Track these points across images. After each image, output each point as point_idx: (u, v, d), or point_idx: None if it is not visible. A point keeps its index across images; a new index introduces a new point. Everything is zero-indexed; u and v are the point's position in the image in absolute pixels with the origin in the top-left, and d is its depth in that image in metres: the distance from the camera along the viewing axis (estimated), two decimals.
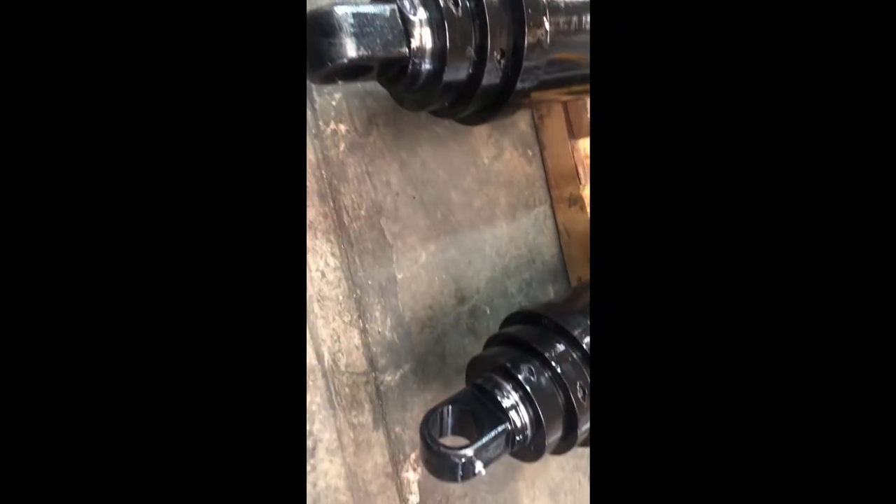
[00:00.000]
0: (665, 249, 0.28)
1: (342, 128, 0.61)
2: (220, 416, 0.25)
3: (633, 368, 0.29)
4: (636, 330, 0.29)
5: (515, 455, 0.55)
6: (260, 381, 0.26)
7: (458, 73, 0.50)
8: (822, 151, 0.26)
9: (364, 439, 0.62)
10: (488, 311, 0.74)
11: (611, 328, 0.29)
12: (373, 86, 0.57)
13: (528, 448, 0.53)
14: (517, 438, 0.51)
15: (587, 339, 0.56)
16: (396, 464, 0.64)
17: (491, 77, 0.51)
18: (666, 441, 0.29)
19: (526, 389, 0.52)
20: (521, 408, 0.52)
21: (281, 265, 0.26)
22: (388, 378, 0.64)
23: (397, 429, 0.64)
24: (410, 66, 0.47)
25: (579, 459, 0.82)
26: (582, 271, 0.80)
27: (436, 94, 0.50)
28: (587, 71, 0.59)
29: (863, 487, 0.26)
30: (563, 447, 0.55)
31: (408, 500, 0.65)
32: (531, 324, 0.59)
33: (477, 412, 0.51)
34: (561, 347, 0.55)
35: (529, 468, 0.77)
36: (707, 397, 0.28)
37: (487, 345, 0.60)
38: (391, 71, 0.48)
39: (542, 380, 0.53)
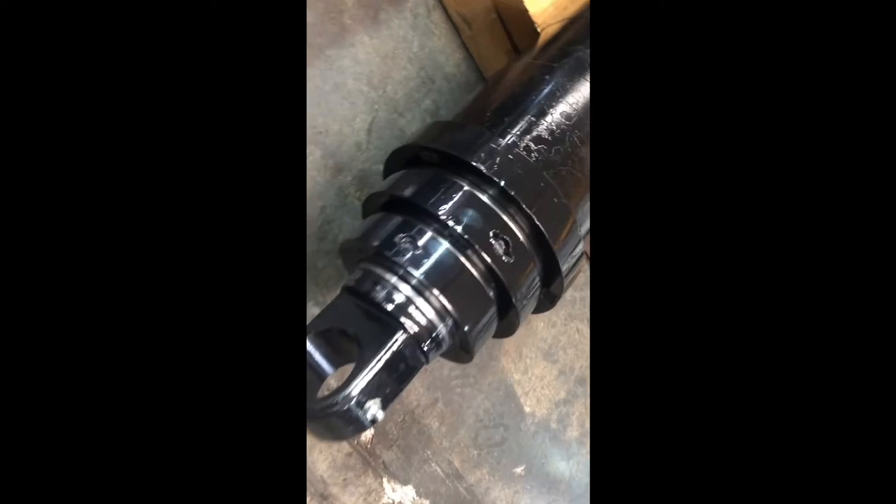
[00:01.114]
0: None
1: None
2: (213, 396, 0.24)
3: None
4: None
5: (445, 357, 0.38)
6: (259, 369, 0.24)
7: None
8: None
9: None
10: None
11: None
12: None
13: (454, 348, 0.36)
14: (428, 342, 0.33)
15: (501, 158, 0.35)
16: None
17: None
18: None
19: (414, 275, 0.33)
20: (419, 301, 0.33)
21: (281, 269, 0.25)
22: None
23: None
24: None
25: (571, 306, 0.67)
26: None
27: None
28: None
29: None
30: (505, 326, 0.38)
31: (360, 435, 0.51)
32: (414, 165, 0.38)
33: (359, 328, 0.33)
34: (458, 191, 0.35)
35: (510, 339, 0.62)
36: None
37: (365, 214, 0.40)
38: None
39: (439, 249, 0.34)
